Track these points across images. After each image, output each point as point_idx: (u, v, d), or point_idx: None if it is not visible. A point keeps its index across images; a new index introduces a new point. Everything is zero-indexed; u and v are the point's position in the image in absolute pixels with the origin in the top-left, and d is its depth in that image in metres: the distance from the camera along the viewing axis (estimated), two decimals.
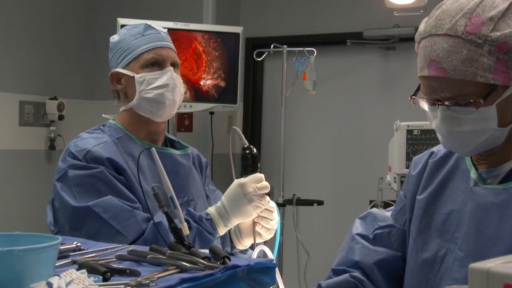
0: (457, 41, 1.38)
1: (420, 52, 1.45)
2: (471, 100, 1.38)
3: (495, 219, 1.41)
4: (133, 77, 1.97)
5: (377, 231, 1.67)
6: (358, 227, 1.71)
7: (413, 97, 1.49)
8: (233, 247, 2.03)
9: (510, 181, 1.44)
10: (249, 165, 1.88)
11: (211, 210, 1.90)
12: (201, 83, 4.23)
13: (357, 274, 1.61)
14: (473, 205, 1.46)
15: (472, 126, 1.41)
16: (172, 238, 1.44)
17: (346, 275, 1.60)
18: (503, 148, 1.47)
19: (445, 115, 1.42)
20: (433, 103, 1.44)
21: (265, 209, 1.89)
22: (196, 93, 4.22)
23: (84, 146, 1.91)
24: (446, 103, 1.41)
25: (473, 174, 1.50)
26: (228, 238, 2.00)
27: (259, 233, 1.94)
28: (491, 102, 1.39)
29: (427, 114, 1.50)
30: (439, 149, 1.63)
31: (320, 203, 4.35)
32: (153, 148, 1.58)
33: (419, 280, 1.54)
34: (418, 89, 1.49)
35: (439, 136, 1.48)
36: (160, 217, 1.76)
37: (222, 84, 4.26)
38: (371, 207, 3.77)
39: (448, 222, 1.52)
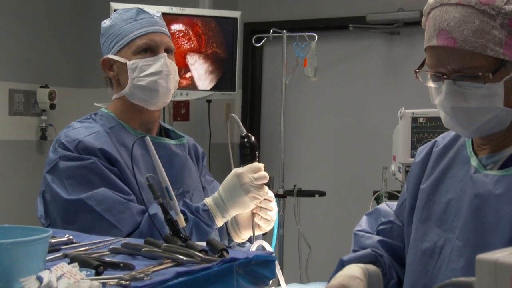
0: (470, 10, 1.38)
1: (430, 22, 1.44)
2: (479, 73, 1.38)
3: (493, 207, 1.41)
4: (125, 63, 1.96)
5: (380, 227, 1.70)
6: (362, 224, 1.73)
7: (417, 71, 1.49)
8: (230, 240, 2.03)
9: (510, 167, 1.44)
10: (247, 154, 1.88)
11: (208, 201, 1.90)
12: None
13: (378, 249, 1.63)
14: (472, 193, 1.46)
15: (477, 103, 1.41)
16: (168, 230, 1.44)
17: (367, 249, 1.62)
18: (506, 133, 1.47)
19: (451, 90, 1.42)
20: (438, 76, 1.44)
21: (264, 199, 1.89)
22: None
23: (75, 136, 1.90)
24: (452, 76, 1.41)
25: (473, 161, 1.50)
26: (225, 231, 2.00)
27: (258, 225, 1.94)
28: (499, 78, 1.39)
29: (430, 92, 1.50)
30: (443, 138, 1.64)
31: (322, 194, 4.35)
32: (147, 137, 1.58)
33: (419, 272, 1.55)
34: (423, 64, 1.49)
35: (441, 113, 1.48)
36: (155, 209, 1.75)
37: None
38: (375, 198, 3.78)
39: (447, 211, 1.52)
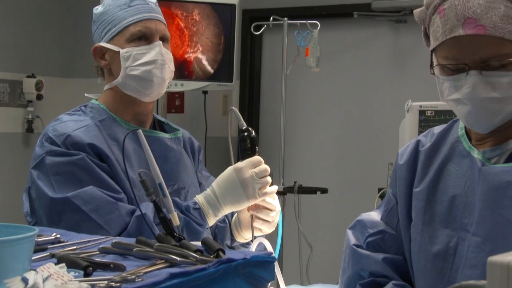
0: None
1: (447, 13, 1.45)
2: (510, 59, 1.40)
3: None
4: (118, 52, 1.95)
5: (369, 239, 1.69)
6: (351, 238, 1.72)
7: (434, 66, 1.49)
8: (233, 240, 2.03)
9: None
10: (247, 148, 1.88)
11: (200, 198, 1.89)
12: (186, 56, 4.21)
13: (398, 282, 1.62)
14: (485, 186, 1.46)
15: (504, 92, 1.43)
16: (157, 231, 1.43)
17: (389, 285, 1.60)
18: (509, 124, 1.48)
19: (478, 81, 1.43)
20: (460, 69, 1.44)
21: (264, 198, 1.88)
22: (181, 69, 4.19)
23: (64, 130, 1.89)
24: (478, 66, 1.42)
25: (476, 154, 1.51)
26: (228, 230, 2.00)
27: (259, 228, 1.93)
28: None
29: (440, 87, 1.51)
30: (425, 136, 1.65)
31: (324, 191, 4.36)
32: (140, 130, 1.57)
33: (434, 277, 1.54)
34: (431, 58, 1.49)
35: (463, 108, 1.48)
36: (145, 208, 1.75)
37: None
38: (380, 196, 3.77)
39: (453, 209, 1.53)
